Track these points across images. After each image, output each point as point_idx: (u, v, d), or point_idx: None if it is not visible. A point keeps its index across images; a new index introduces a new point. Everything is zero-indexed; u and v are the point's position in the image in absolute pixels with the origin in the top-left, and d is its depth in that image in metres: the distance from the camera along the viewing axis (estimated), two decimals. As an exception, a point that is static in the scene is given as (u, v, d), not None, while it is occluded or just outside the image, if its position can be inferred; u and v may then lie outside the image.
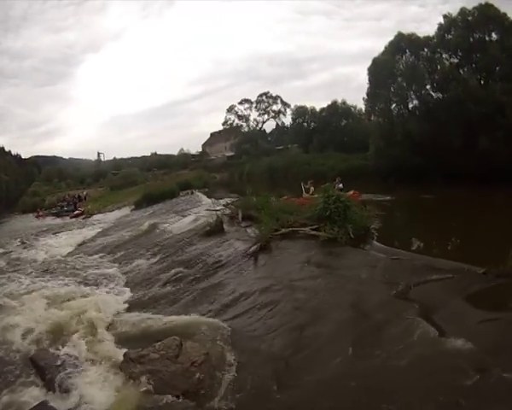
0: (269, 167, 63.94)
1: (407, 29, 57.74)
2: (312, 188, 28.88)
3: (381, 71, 45.28)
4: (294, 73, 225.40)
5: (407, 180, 36.90)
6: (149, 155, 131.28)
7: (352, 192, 27.79)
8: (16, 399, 8.88)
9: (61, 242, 30.75)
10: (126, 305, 14.08)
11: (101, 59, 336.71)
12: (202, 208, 33.68)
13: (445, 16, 42.69)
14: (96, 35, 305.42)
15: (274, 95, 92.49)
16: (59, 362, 10.07)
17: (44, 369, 9.88)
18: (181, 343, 9.57)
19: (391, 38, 45.94)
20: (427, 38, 44.43)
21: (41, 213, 59.57)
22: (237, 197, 30.03)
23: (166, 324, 11.53)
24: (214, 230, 21.33)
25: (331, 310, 10.40)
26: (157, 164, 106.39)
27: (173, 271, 16.77)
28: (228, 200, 30.05)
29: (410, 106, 46.41)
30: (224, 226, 21.77)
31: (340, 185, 28.06)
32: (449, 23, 42.63)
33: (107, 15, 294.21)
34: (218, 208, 24.98)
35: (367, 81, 48.01)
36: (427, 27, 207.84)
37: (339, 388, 7.51)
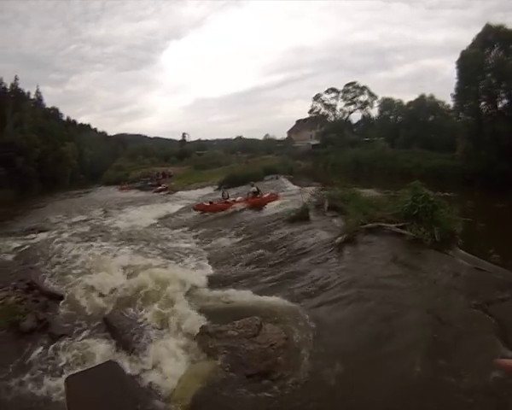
0: (354, 159, 61.29)
1: (494, 19, 53.92)
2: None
3: (469, 66, 41.64)
4: (379, 64, 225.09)
5: (492, 186, 33.78)
6: (234, 138, 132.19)
7: (268, 194, 29.71)
8: (87, 353, 9.24)
9: (144, 214, 31.42)
10: (206, 280, 14.14)
11: (183, 45, 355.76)
12: (287, 194, 33.37)
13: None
14: (177, 23, 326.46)
15: (361, 85, 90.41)
16: (132, 326, 10.39)
17: (117, 330, 10.20)
18: (261, 324, 9.51)
19: (477, 28, 43.31)
20: (517, 31, 40.31)
21: (125, 186, 61.18)
22: (321, 187, 29.42)
23: (246, 303, 11.51)
24: (300, 217, 21.02)
25: (410, 312, 10.04)
26: (241, 147, 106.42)
27: (256, 252, 16.71)
28: (313, 189, 29.41)
29: (500, 105, 42.96)
30: (310, 214, 21.40)
31: (254, 188, 29.70)
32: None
33: (186, 5, 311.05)
34: (304, 196, 24.45)
35: (455, 76, 45.27)
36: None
37: (405, 398, 7.20)
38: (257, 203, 28.04)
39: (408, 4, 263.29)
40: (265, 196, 29.68)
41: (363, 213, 17.60)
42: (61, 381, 7.86)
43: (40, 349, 9.57)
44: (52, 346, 9.75)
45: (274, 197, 29.61)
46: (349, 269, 13.61)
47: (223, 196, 29.60)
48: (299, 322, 10.00)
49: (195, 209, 28.51)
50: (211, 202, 28.80)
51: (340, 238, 16.07)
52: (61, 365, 8.87)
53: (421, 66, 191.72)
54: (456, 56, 43.95)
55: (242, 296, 12.09)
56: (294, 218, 21.07)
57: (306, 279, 13.24)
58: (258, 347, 8.71)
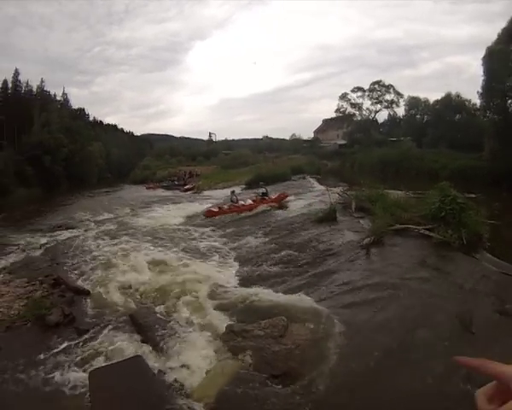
0: (380, 160, 60.26)
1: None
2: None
3: (496, 62, 40.03)
4: (404, 61, 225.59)
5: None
6: (261, 138, 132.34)
7: (277, 195, 29.97)
8: (111, 348, 9.37)
9: (171, 213, 31.37)
10: (233, 279, 14.17)
11: (208, 45, 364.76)
12: (314, 194, 33.80)
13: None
14: (200, 24, 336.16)
15: (387, 84, 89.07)
16: (158, 323, 10.49)
17: (143, 327, 10.32)
18: (287, 325, 9.49)
19: (501, 22, 42.18)
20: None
21: (152, 185, 61.90)
22: (348, 187, 29.73)
23: (273, 303, 11.40)
24: (327, 217, 21.02)
25: (436, 317, 9.95)
26: (268, 147, 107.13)
27: (283, 252, 16.57)
28: (340, 189, 29.46)
29: (528, 103, 41.75)
30: (337, 215, 21.38)
31: (263, 189, 30.25)
32: None
33: (209, 6, 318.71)
34: (331, 196, 24.46)
35: (481, 73, 44.13)
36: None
37: (428, 407, 7.08)
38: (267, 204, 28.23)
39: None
40: (274, 196, 29.87)
41: (391, 215, 17.57)
42: (84, 374, 8.04)
43: (65, 343, 9.76)
44: (77, 340, 9.93)
45: (283, 197, 30.02)
46: (376, 271, 13.51)
47: (232, 200, 29.50)
48: (326, 323, 9.89)
49: (206, 216, 27.66)
50: (220, 208, 28.64)
51: (367, 240, 16.02)
52: (85, 358, 9.02)
53: (447, 63, 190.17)
54: (482, 53, 43.08)
55: (269, 296, 12.00)
56: (321, 218, 21.05)
57: (333, 280, 13.17)
58: (283, 347, 8.69)
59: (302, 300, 11.54)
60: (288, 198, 30.81)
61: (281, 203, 29.13)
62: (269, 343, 8.82)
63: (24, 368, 8.68)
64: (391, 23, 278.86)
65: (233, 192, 30.40)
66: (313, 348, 8.81)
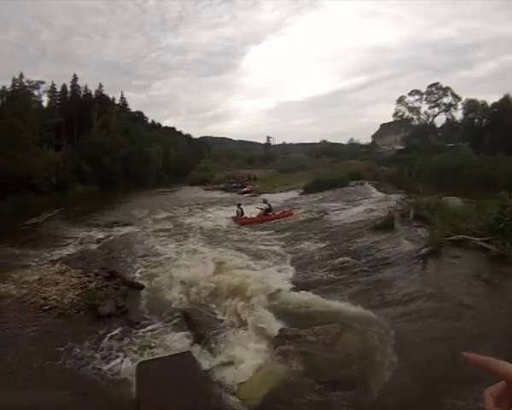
0: (439, 166, 55.01)
1: None
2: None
3: None
4: (459, 62, 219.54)
5: None
6: (318, 142, 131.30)
7: (280, 212, 29.37)
8: (161, 342, 9.66)
9: (228, 214, 31.10)
10: (288, 283, 13.99)
11: (263, 50, 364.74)
12: (372, 200, 33.23)
13: None
14: (253, 29, 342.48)
15: (444, 86, 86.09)
16: (211, 322, 10.67)
17: (195, 324, 10.52)
18: (340, 332, 9.41)
19: None
20: None
21: (209, 187, 62.49)
22: (406, 194, 29.32)
23: (327, 309, 11.34)
24: (384, 225, 20.72)
25: (492, 336, 9.54)
26: (326, 152, 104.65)
27: (340, 259, 16.33)
28: (398, 196, 28.94)
29: None
30: (395, 223, 21.08)
31: (266, 205, 29.20)
32: None
33: (261, 10, 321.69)
34: (389, 203, 24.40)
35: None
36: None
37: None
38: (269, 221, 27.87)
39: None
40: (278, 213, 29.59)
41: (449, 225, 17.14)
42: (132, 365, 8.35)
43: (115, 333, 10.16)
44: (128, 331, 10.32)
45: (287, 214, 29.35)
46: (431, 283, 13.22)
47: (237, 212, 29.33)
48: (379, 333, 9.76)
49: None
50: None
51: (424, 250, 15.72)
52: (134, 349, 9.37)
53: (504, 62, 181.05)
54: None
55: (323, 302, 11.91)
56: (379, 226, 20.83)
57: (388, 290, 13.01)
58: (335, 355, 8.65)
59: (356, 308, 11.42)
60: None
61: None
62: (320, 350, 8.80)
63: (72, 353, 9.14)
64: (444, 22, 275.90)
65: (239, 205, 30.18)
66: (364, 357, 8.73)
